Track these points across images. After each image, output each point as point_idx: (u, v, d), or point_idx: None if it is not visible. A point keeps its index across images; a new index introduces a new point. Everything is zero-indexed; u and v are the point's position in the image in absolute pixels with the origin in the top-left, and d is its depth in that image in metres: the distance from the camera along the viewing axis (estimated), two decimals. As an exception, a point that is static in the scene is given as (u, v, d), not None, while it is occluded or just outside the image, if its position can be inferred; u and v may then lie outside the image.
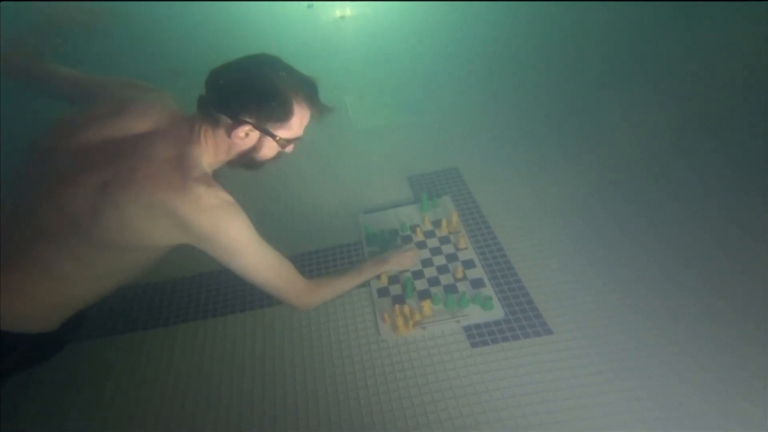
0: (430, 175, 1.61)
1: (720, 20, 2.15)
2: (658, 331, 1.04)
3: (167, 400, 1.06)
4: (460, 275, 1.22)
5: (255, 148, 0.90)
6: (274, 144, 0.90)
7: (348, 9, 2.66)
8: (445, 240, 1.33)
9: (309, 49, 2.43)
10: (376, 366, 1.06)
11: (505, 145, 1.70)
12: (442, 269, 1.25)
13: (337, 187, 1.62)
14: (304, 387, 1.05)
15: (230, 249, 0.88)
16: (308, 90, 0.90)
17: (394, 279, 1.24)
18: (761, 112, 1.58)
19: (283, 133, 0.89)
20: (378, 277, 1.23)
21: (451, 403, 0.97)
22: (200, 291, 1.30)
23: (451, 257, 1.28)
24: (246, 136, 0.86)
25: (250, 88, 0.84)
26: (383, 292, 1.21)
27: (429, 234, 1.36)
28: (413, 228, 1.38)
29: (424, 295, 1.19)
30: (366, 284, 1.23)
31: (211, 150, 0.89)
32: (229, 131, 0.85)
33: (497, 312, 1.12)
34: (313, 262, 1.35)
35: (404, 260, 1.23)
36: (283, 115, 0.87)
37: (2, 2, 1.11)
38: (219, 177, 0.91)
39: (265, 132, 0.87)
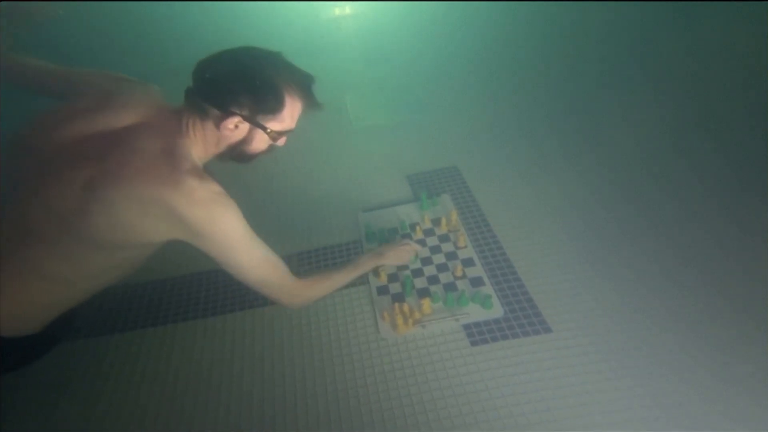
0: (430, 173, 1.61)
1: (720, 20, 2.15)
2: (657, 330, 1.04)
3: (166, 400, 1.06)
4: (459, 273, 1.21)
5: (245, 141, 0.87)
6: (265, 136, 0.87)
7: (347, 8, 2.66)
8: (444, 238, 1.33)
9: (308, 48, 2.44)
10: (376, 364, 1.06)
11: (505, 144, 1.70)
12: (441, 267, 1.25)
13: (336, 185, 1.62)
14: (303, 385, 1.04)
15: (223, 243, 0.85)
16: (300, 81, 0.87)
17: (393, 277, 1.24)
18: (761, 112, 1.58)
19: (274, 125, 0.86)
20: (377, 275, 1.23)
21: (450, 401, 0.97)
22: (199, 289, 1.30)
23: (451, 255, 1.28)
24: (235, 128, 0.83)
25: (240, 78, 0.81)
26: (383, 290, 1.21)
27: (428, 232, 1.36)
28: (413, 226, 1.37)
29: (423, 293, 1.19)
30: (365, 282, 1.23)
31: (200, 143, 0.86)
32: (218, 123, 0.82)
33: (497, 310, 1.11)
34: (312, 261, 1.34)
35: (401, 254, 1.22)
36: (274, 106, 0.84)
37: (2, 2, 1.11)
38: (211, 171, 0.89)
39: (256, 124, 0.84)
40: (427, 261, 1.27)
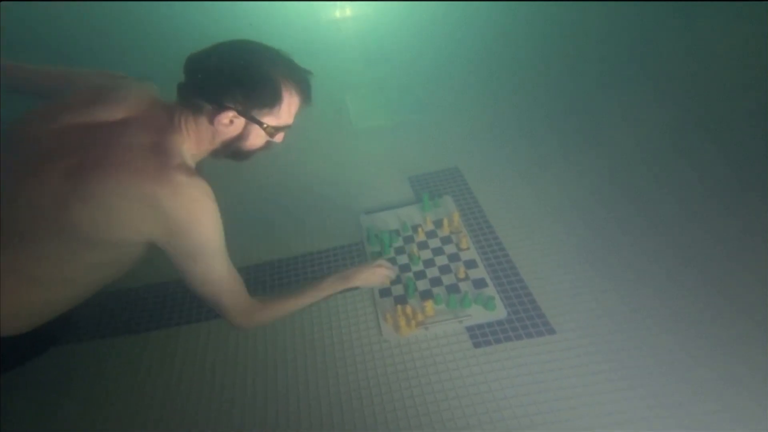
0: (431, 174, 1.61)
1: (720, 20, 2.15)
2: (658, 330, 1.05)
3: (169, 402, 1.06)
4: (462, 275, 1.22)
5: (241, 137, 0.84)
6: (262, 132, 0.84)
7: (348, 9, 2.66)
8: (446, 240, 1.34)
9: (309, 48, 2.43)
10: (379, 366, 1.06)
11: (506, 144, 1.71)
12: (444, 269, 1.25)
13: (337, 187, 1.62)
14: (306, 388, 1.05)
15: (194, 248, 0.81)
16: (298, 75, 0.83)
17: (396, 279, 1.24)
18: (761, 112, 1.58)
19: (271, 120, 0.83)
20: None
21: (453, 403, 0.97)
22: (202, 291, 1.30)
23: (453, 257, 1.28)
24: (230, 123, 0.80)
25: (234, 71, 0.78)
26: (385, 292, 1.21)
27: (431, 234, 1.36)
28: (415, 228, 1.38)
29: (426, 295, 1.19)
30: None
31: (193, 139, 0.83)
32: (212, 118, 0.79)
33: (500, 312, 1.12)
34: (315, 263, 1.35)
35: (372, 278, 1.13)
36: (271, 100, 0.80)
37: (2, 2, 1.10)
38: (202, 170, 0.86)
39: (251, 119, 0.81)
40: (429, 263, 1.28)
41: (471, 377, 1.01)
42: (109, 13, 2.53)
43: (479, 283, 1.20)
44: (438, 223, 1.39)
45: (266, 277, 1.33)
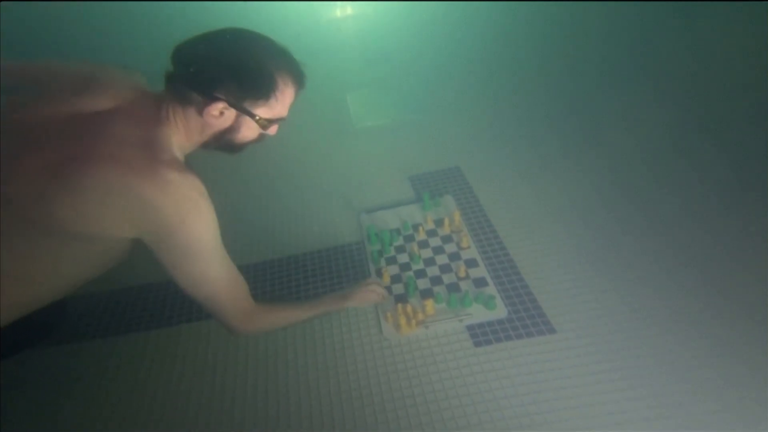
0: (432, 174, 1.61)
1: (720, 20, 2.16)
2: (659, 331, 1.05)
3: (170, 401, 1.06)
4: (462, 274, 1.22)
5: (233, 129, 0.80)
6: (254, 124, 0.80)
7: (349, 8, 2.66)
8: (447, 239, 1.34)
9: (310, 48, 2.43)
10: (379, 365, 1.06)
11: (507, 144, 1.71)
12: (444, 268, 1.25)
13: (338, 186, 1.62)
14: (306, 386, 1.05)
15: (187, 248, 0.76)
16: (293, 66, 0.80)
17: (396, 278, 1.24)
18: (761, 111, 1.58)
19: (263, 112, 0.79)
20: (380, 275, 1.24)
21: (453, 402, 0.97)
22: (202, 290, 1.30)
23: (454, 256, 1.28)
24: (221, 115, 0.76)
25: (225, 60, 0.74)
26: (386, 291, 1.21)
27: (431, 233, 1.36)
28: (415, 227, 1.38)
29: (426, 294, 1.19)
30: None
31: (182, 131, 0.79)
32: (201, 109, 0.75)
33: (500, 311, 1.12)
34: (315, 262, 1.35)
35: (368, 296, 1.13)
36: (264, 91, 0.76)
37: (2, 2, 1.09)
38: (191, 165, 0.83)
39: (243, 110, 0.77)
40: (430, 262, 1.28)
41: (471, 376, 1.01)
42: (109, 13, 2.53)
43: (480, 282, 1.20)
44: (439, 222, 1.39)
45: (266, 276, 1.33)
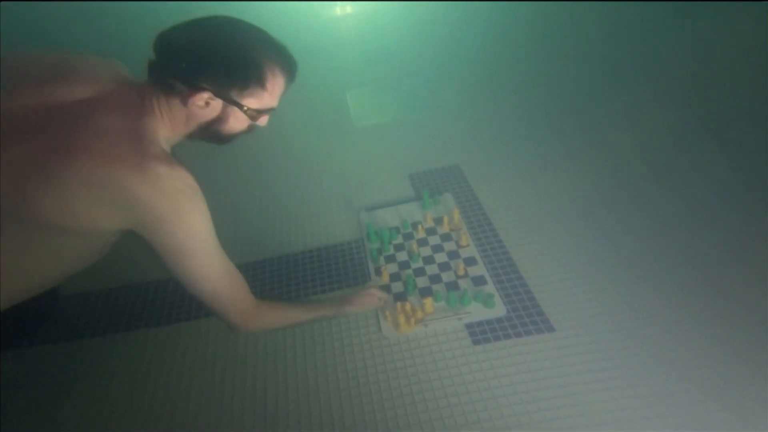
0: (432, 172, 1.61)
1: (720, 20, 2.16)
2: (659, 329, 1.05)
3: (169, 400, 1.06)
4: (461, 272, 1.22)
5: (219, 120, 0.77)
6: (243, 115, 0.77)
7: (348, 7, 2.67)
8: (446, 237, 1.33)
9: (310, 47, 2.44)
10: (378, 363, 1.06)
11: (507, 143, 1.71)
12: (443, 266, 1.25)
13: (338, 184, 1.62)
14: (305, 384, 1.05)
15: (182, 244, 0.75)
16: (282, 54, 0.77)
17: (395, 276, 1.24)
18: (761, 111, 1.58)
19: (251, 102, 0.76)
20: (380, 274, 1.24)
21: (452, 400, 0.97)
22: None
23: (453, 254, 1.28)
24: (206, 105, 0.73)
25: (210, 48, 0.71)
26: (385, 289, 1.21)
27: (431, 231, 1.36)
28: (415, 225, 1.38)
29: (425, 292, 1.19)
30: (368, 281, 1.23)
31: (167, 122, 0.76)
32: (185, 100, 0.72)
33: (499, 309, 1.12)
34: (314, 260, 1.35)
35: (368, 300, 1.11)
36: (250, 81, 0.73)
37: (2, 2, 1.08)
38: (179, 157, 0.80)
39: (229, 100, 0.74)
40: (429, 260, 1.28)
41: (470, 374, 1.01)
42: (109, 13, 2.53)
43: (479, 281, 1.20)
44: (438, 221, 1.39)
45: (266, 274, 1.32)
